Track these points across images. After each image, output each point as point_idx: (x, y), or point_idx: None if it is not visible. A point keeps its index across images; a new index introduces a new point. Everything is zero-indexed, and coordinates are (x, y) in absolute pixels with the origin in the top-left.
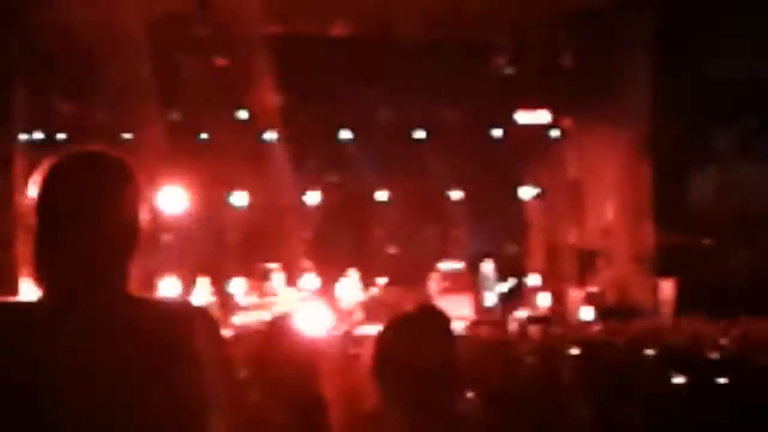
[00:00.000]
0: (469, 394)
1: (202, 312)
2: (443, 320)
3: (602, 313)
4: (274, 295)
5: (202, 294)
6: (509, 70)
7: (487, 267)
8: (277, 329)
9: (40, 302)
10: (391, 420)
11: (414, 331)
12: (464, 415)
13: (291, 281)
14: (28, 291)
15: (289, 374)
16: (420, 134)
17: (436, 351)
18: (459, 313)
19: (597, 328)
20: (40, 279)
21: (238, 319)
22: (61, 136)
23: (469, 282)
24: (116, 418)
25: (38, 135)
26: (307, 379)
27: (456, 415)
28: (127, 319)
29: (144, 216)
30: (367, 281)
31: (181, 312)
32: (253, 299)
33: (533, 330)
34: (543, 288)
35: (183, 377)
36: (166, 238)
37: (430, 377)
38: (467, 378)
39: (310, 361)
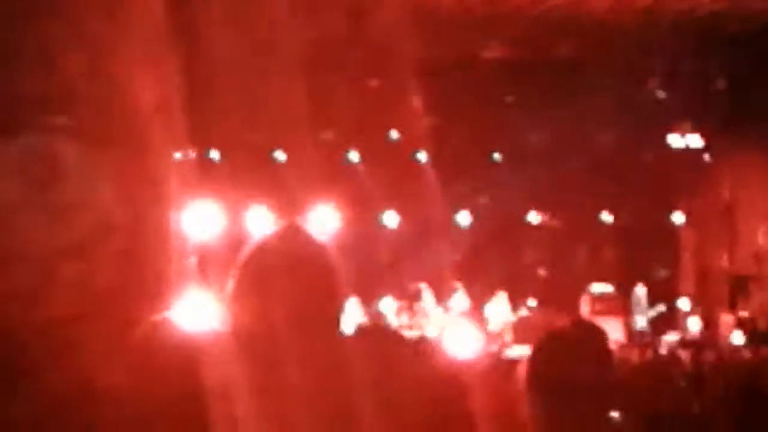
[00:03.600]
0: (615, 414)
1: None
2: (600, 337)
3: (753, 338)
4: (425, 315)
5: (353, 314)
6: (662, 93)
7: (639, 291)
8: (423, 352)
9: None
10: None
11: (570, 348)
12: None
13: (441, 302)
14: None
15: (432, 394)
16: (572, 157)
17: (592, 368)
18: (610, 336)
19: (748, 353)
20: None
21: None
22: (214, 154)
23: (620, 305)
24: None
25: (192, 153)
26: (455, 402)
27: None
28: None
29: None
30: (517, 303)
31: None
32: (404, 319)
33: (684, 354)
34: (694, 312)
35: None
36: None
37: (584, 395)
38: (619, 398)
39: (459, 383)
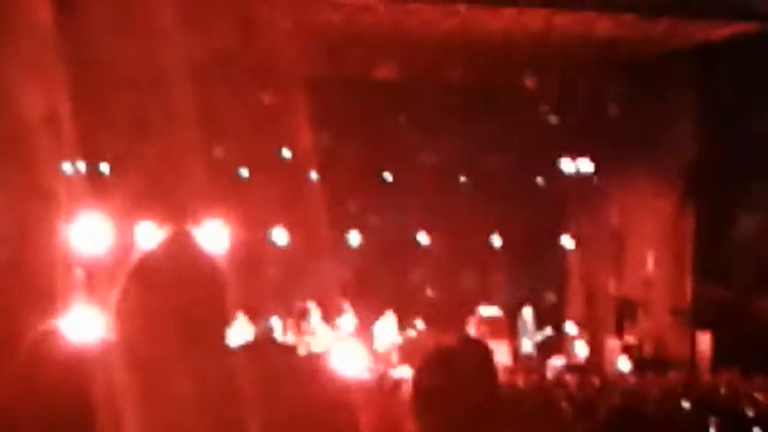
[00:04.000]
0: None
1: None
2: (486, 354)
3: (639, 364)
4: (312, 334)
5: (241, 331)
6: (553, 118)
7: (526, 313)
8: (311, 368)
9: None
10: None
11: (456, 364)
12: None
13: (329, 321)
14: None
15: (323, 412)
16: (462, 179)
17: (478, 384)
18: (497, 357)
19: (633, 379)
20: None
21: None
22: (104, 167)
23: (507, 328)
24: None
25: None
26: (342, 418)
27: None
28: None
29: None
30: (405, 323)
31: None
32: (291, 337)
33: (569, 378)
34: (581, 337)
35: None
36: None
37: (472, 412)
38: (505, 417)
39: (346, 400)
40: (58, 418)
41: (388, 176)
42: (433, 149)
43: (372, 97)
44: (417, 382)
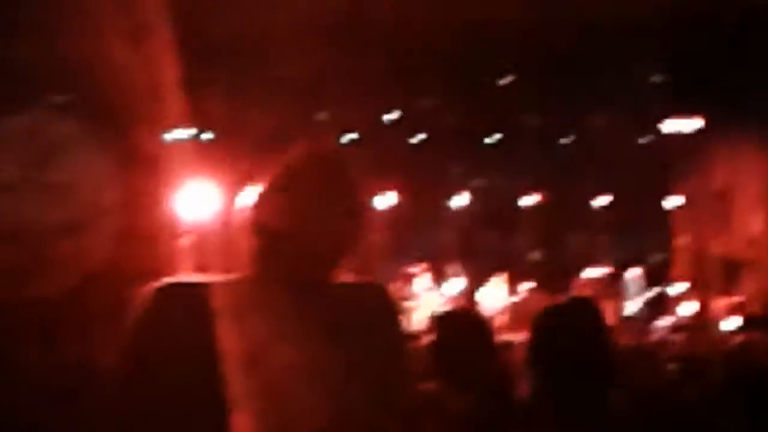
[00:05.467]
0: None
1: (387, 299)
2: (596, 313)
3: (747, 323)
4: (416, 299)
5: None
6: (658, 78)
7: (632, 274)
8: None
9: (247, 278)
10: (543, 409)
11: (567, 322)
12: (615, 409)
13: (434, 285)
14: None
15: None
16: (568, 139)
17: (588, 342)
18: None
19: (741, 338)
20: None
21: None
22: (209, 134)
23: (613, 289)
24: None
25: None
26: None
27: (606, 409)
28: (322, 298)
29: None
30: (512, 287)
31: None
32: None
33: (676, 338)
34: (687, 297)
35: (379, 356)
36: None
37: (582, 368)
38: (618, 374)
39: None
40: (188, 366)
41: (492, 138)
42: (537, 110)
43: (472, 58)
44: (532, 335)
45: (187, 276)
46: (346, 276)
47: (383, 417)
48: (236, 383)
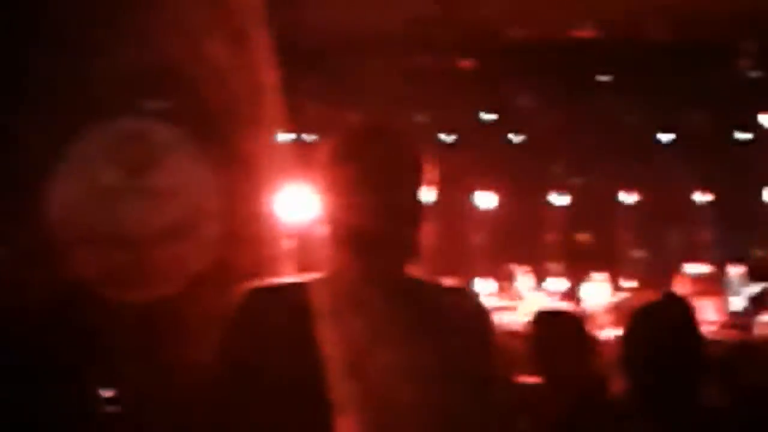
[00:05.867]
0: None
1: (480, 304)
2: (686, 309)
3: None
4: (520, 297)
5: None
6: (755, 73)
7: (735, 271)
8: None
9: (327, 279)
10: (635, 405)
11: (658, 319)
12: (709, 405)
13: (537, 283)
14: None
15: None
16: (666, 137)
17: (680, 338)
18: (706, 316)
19: None
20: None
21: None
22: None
23: (716, 286)
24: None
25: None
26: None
27: (700, 405)
28: (408, 297)
29: (426, 193)
30: (615, 284)
31: (464, 301)
32: (499, 301)
33: None
34: None
35: (472, 360)
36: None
37: (674, 364)
38: (712, 370)
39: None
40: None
41: (589, 137)
42: (634, 109)
43: (571, 58)
44: (624, 332)
45: (281, 278)
46: (438, 280)
47: (481, 417)
48: (336, 384)
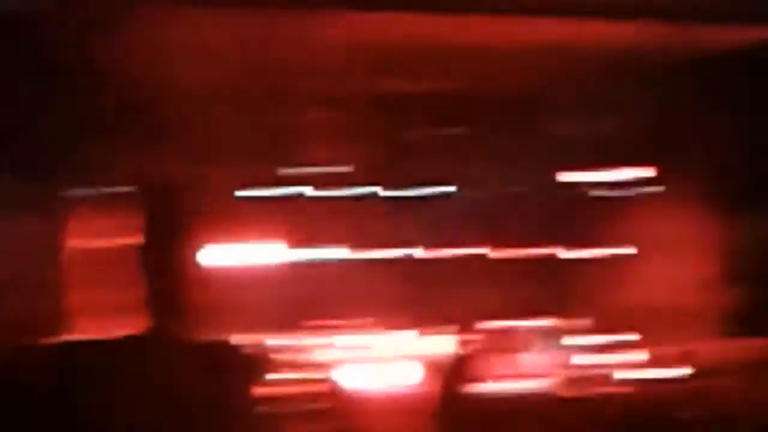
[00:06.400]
0: None
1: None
2: (458, 365)
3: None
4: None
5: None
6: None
7: (537, 325)
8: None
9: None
10: None
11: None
12: None
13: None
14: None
15: None
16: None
17: (451, 393)
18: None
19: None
20: None
21: None
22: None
23: (519, 339)
24: None
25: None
26: None
27: None
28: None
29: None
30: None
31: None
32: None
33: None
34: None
35: None
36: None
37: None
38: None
39: None
40: None
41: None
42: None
43: (423, 112)
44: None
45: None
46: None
47: None
48: None
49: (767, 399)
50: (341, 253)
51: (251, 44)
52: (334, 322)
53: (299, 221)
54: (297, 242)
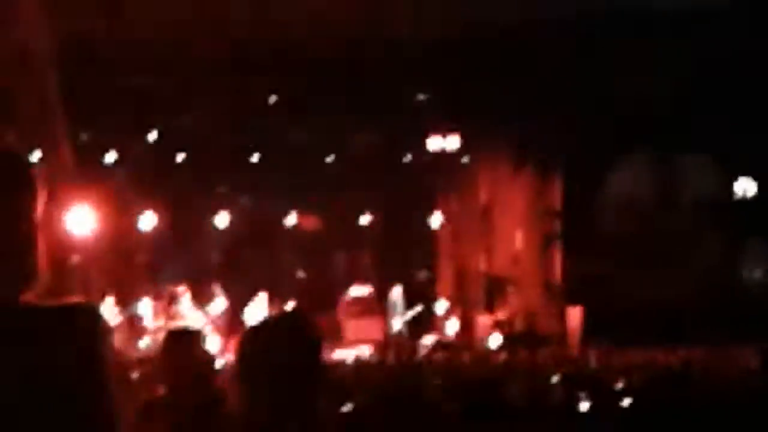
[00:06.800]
0: (349, 406)
1: (88, 313)
2: (302, 324)
3: (510, 340)
4: (182, 317)
5: (109, 316)
6: (423, 96)
7: (396, 292)
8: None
9: None
10: (255, 420)
11: (272, 333)
12: (324, 418)
13: (199, 304)
14: None
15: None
16: (332, 158)
17: (293, 351)
18: (367, 336)
19: (503, 355)
20: None
21: (144, 342)
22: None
23: (377, 306)
24: None
25: None
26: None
27: (316, 417)
28: (17, 330)
29: (37, 216)
30: (277, 305)
31: (69, 317)
32: (160, 322)
33: (440, 355)
34: (452, 314)
35: (82, 391)
36: (74, 259)
37: (287, 377)
38: (328, 383)
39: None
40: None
41: (256, 157)
42: (301, 129)
43: (239, 75)
44: (239, 348)
45: None
46: (48, 299)
47: None
48: None
49: None
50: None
51: None
52: None
53: None
54: None
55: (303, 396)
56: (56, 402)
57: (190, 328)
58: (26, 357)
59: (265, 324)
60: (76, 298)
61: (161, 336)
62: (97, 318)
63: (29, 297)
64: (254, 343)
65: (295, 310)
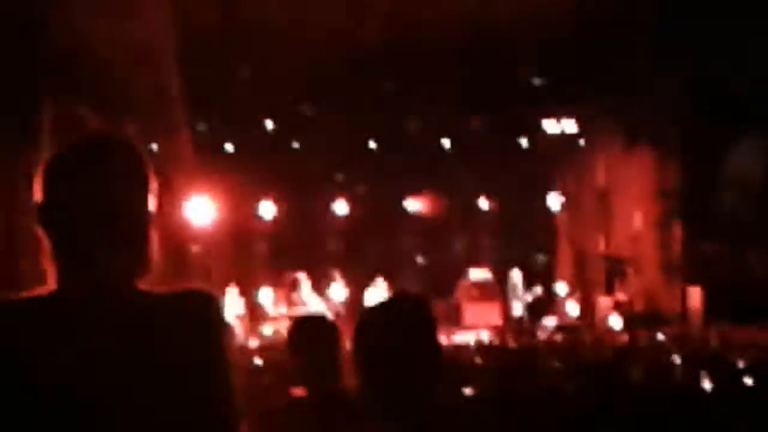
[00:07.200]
0: (467, 390)
1: (210, 306)
2: (417, 306)
3: (630, 321)
4: (303, 304)
5: (231, 304)
6: (538, 80)
7: (515, 276)
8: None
9: (49, 297)
10: (369, 399)
11: (387, 314)
12: (442, 404)
13: (320, 291)
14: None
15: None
16: (447, 143)
17: (408, 333)
18: (487, 321)
19: (624, 336)
20: (54, 274)
21: (268, 329)
22: None
23: (497, 291)
24: (124, 416)
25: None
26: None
27: (432, 403)
28: (131, 315)
29: (153, 202)
30: (396, 290)
31: (187, 305)
32: (282, 309)
33: (560, 338)
34: (571, 296)
35: (196, 375)
36: (194, 248)
37: (402, 359)
38: (444, 368)
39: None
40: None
41: (373, 144)
42: (417, 115)
43: (355, 65)
44: (355, 328)
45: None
46: (170, 288)
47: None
48: (53, 413)
49: None
50: None
51: None
52: None
53: None
54: None
55: (418, 378)
56: (171, 385)
57: (316, 314)
58: (141, 341)
59: (380, 306)
60: (191, 285)
61: (283, 323)
62: (210, 302)
63: (143, 285)
64: (370, 325)
65: (409, 292)
